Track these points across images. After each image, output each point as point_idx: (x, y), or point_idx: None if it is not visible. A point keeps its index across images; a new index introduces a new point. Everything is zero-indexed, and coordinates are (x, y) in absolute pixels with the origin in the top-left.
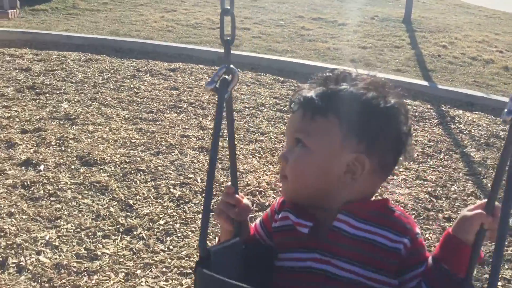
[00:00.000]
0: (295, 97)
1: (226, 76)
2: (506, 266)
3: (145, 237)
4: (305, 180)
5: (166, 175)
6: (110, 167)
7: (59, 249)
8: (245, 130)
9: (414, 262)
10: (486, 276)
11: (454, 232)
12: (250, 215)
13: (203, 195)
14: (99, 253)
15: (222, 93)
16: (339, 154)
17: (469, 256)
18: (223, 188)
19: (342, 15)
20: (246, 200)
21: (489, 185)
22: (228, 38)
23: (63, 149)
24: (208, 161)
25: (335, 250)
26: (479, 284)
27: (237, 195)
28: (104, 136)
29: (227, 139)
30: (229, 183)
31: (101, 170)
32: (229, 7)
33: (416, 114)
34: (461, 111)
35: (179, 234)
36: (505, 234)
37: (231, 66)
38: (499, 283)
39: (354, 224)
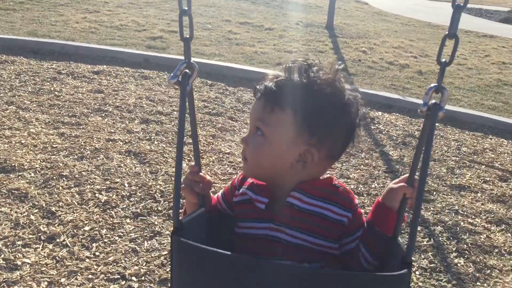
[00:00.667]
0: (259, 85)
1: (187, 70)
2: (423, 256)
3: (69, 244)
4: (261, 164)
5: (91, 180)
6: (30, 174)
7: None
8: (173, 133)
9: (354, 228)
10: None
11: (383, 200)
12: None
13: (131, 199)
14: (19, 262)
15: (184, 86)
16: (293, 145)
17: (395, 220)
18: (188, 168)
19: (268, 20)
20: (208, 177)
21: None
22: (187, 36)
23: None
24: (176, 146)
25: (288, 221)
26: (403, 240)
27: (200, 173)
28: (23, 141)
29: (190, 126)
30: (193, 163)
31: (19, 177)
32: (186, 8)
33: (364, 110)
34: (380, 113)
35: (105, 240)
36: (421, 201)
37: (191, 61)
38: (417, 272)
39: (305, 200)
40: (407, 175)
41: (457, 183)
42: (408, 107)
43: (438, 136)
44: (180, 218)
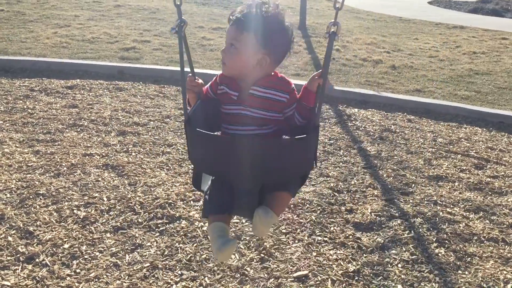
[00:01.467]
0: (232, 16)
1: (181, 24)
2: (404, 249)
3: (48, 263)
4: (235, 66)
5: (69, 197)
6: (6, 194)
7: None
8: (151, 143)
9: (291, 103)
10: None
11: (307, 86)
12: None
13: (110, 213)
14: None
15: (180, 33)
16: (253, 54)
17: (314, 97)
18: (188, 78)
19: None
20: (201, 81)
21: (384, 175)
22: (178, 3)
23: None
24: (180, 71)
25: (251, 104)
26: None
27: (196, 80)
28: None
29: (186, 56)
30: (190, 74)
31: None
32: None
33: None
34: (356, 109)
35: (86, 256)
36: (325, 84)
37: (182, 18)
38: (399, 265)
39: (261, 90)
40: (320, 70)
41: (435, 173)
42: (383, 102)
43: (414, 129)
44: (187, 112)
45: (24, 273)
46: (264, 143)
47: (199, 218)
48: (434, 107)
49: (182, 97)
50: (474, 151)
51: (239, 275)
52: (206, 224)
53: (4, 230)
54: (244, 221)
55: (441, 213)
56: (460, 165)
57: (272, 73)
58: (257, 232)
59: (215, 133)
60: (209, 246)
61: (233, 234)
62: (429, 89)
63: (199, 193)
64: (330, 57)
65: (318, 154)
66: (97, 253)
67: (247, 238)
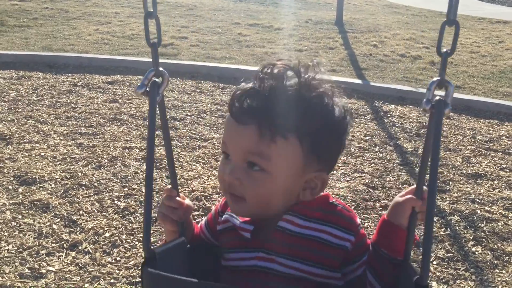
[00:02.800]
0: (243, 105)
1: (156, 79)
2: (440, 246)
3: (91, 251)
4: (268, 203)
5: (110, 188)
6: (50, 185)
7: (1, 271)
8: (187, 137)
9: (358, 253)
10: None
11: (388, 217)
12: (198, 218)
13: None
14: (44, 271)
15: (153, 96)
16: (301, 175)
17: (405, 239)
18: (164, 192)
19: (277, 20)
20: (188, 201)
21: None
22: (155, 41)
23: None
24: (145, 162)
25: (279, 249)
26: (416, 264)
27: (178, 198)
28: (42, 154)
29: (163, 142)
30: (169, 186)
31: (41, 188)
32: (152, 10)
33: (352, 111)
34: (393, 106)
35: (126, 245)
36: (433, 214)
37: (160, 68)
38: (434, 262)
39: (299, 222)
40: (415, 186)
41: (473, 171)
42: (421, 98)
43: (453, 126)
44: (152, 247)
45: (67, 260)
46: None
47: None
48: (474, 103)
49: (143, 218)
50: None
51: None
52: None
53: (49, 218)
54: None
55: (479, 211)
56: (500, 163)
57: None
58: None
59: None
60: None
61: None
62: (469, 85)
63: None
64: (439, 151)
65: (353, 150)
66: (136, 242)
67: None
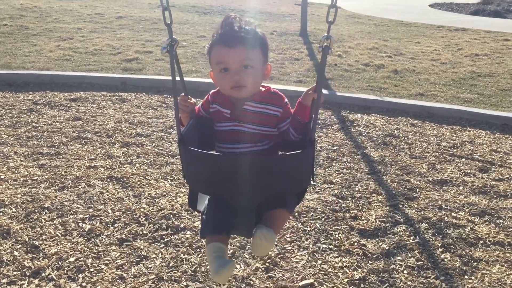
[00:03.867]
0: (234, 36)
1: (172, 43)
2: (410, 255)
3: (54, 277)
4: (255, 85)
5: (74, 210)
6: (11, 209)
7: None
8: (155, 154)
9: (285, 117)
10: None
11: (302, 101)
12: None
13: (115, 225)
14: None
15: (171, 52)
16: (263, 66)
17: (309, 112)
18: (180, 97)
19: None
20: (193, 100)
21: (389, 181)
22: (169, 22)
23: None
24: (172, 90)
25: (245, 119)
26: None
27: (189, 100)
28: (2, 177)
29: (178, 74)
30: (183, 94)
31: (0, 213)
32: (166, 5)
33: (320, 121)
34: (359, 115)
35: (91, 269)
36: (320, 99)
37: (173, 37)
38: (405, 271)
39: (254, 105)
40: (315, 85)
41: (439, 178)
42: (386, 106)
43: (418, 133)
44: (181, 131)
45: None
46: (259, 160)
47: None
48: (437, 110)
49: (175, 117)
50: (478, 154)
51: (244, 285)
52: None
53: (10, 244)
54: None
55: (446, 218)
56: (465, 169)
57: (264, 89)
58: (257, 252)
59: (210, 152)
60: None
61: (238, 243)
62: (431, 93)
63: None
64: (324, 71)
65: (321, 160)
66: (103, 266)
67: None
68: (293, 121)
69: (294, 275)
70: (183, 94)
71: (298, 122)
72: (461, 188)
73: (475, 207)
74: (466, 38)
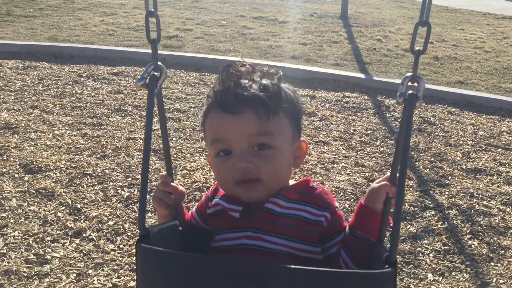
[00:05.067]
0: (237, 97)
1: (155, 73)
2: (437, 239)
3: (94, 238)
4: (279, 176)
5: (114, 178)
6: (56, 173)
7: (7, 256)
8: (191, 129)
9: (334, 231)
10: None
11: (365, 202)
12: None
13: (151, 194)
14: (49, 257)
15: (152, 89)
16: (292, 144)
17: (379, 222)
18: (159, 178)
19: (282, 13)
20: (181, 187)
21: (421, 167)
22: (154, 38)
23: (5, 158)
24: (143, 148)
25: (265, 227)
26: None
27: (172, 183)
28: (48, 143)
29: (161, 133)
30: (165, 173)
31: (46, 177)
32: (153, 10)
33: (354, 105)
34: (395, 100)
35: (129, 233)
36: (402, 198)
37: (159, 63)
38: (431, 255)
39: (282, 204)
40: (389, 174)
41: (473, 166)
42: (424, 93)
43: (454, 121)
44: (146, 225)
45: (72, 247)
46: (292, 277)
47: None
48: (476, 99)
49: (139, 199)
50: None
51: None
52: None
53: (54, 206)
54: None
55: (476, 206)
56: (500, 159)
57: (296, 181)
58: None
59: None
60: None
61: None
62: (472, 81)
63: None
64: (409, 143)
65: (354, 143)
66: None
67: None
68: (349, 239)
69: None
70: (163, 174)
71: (359, 240)
72: (494, 177)
73: (508, 197)
74: None
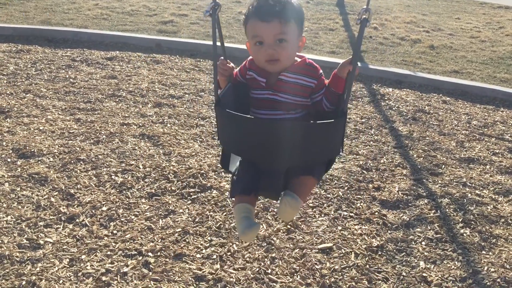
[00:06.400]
0: (269, 10)
1: (215, 5)
2: (429, 227)
3: (88, 223)
4: (289, 59)
5: (107, 163)
6: (49, 158)
7: (0, 241)
8: (185, 115)
9: (319, 88)
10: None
11: (337, 72)
12: (194, 195)
13: (145, 180)
14: (42, 242)
15: (214, 16)
16: (297, 38)
17: (344, 84)
18: (220, 61)
19: None
20: (232, 64)
21: (415, 156)
22: None
23: None
24: (212, 54)
25: (279, 89)
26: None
27: (227, 64)
28: (41, 128)
29: (219, 38)
30: (222, 58)
31: (39, 162)
32: None
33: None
34: (390, 89)
35: (122, 219)
36: (354, 70)
37: (217, 0)
38: (423, 243)
39: (289, 75)
40: (351, 57)
41: (466, 156)
42: (419, 82)
43: (449, 111)
44: (218, 93)
45: (65, 232)
46: (291, 127)
47: (229, 189)
48: (471, 89)
49: (213, 80)
50: (509, 134)
51: (265, 244)
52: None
53: (47, 191)
54: None
55: (469, 195)
56: (493, 148)
57: (299, 59)
58: (283, 217)
59: (244, 115)
60: None
61: (261, 205)
62: (467, 71)
63: None
64: (361, 44)
65: (349, 132)
66: (133, 217)
67: (275, 209)
68: (327, 92)
69: (314, 238)
70: (222, 58)
71: (332, 93)
72: (488, 167)
73: (500, 186)
74: (509, 17)
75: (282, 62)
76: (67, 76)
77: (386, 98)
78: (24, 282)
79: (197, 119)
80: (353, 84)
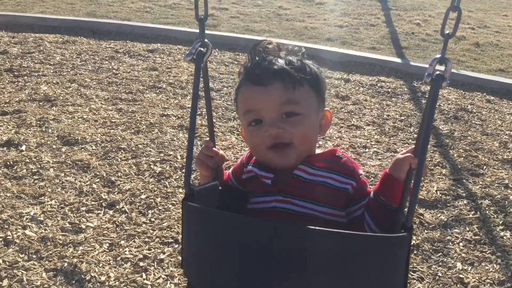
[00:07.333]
0: (266, 70)
1: (202, 49)
2: (468, 229)
3: (127, 210)
4: (310, 139)
5: (147, 153)
6: (92, 146)
7: (44, 224)
8: (223, 108)
9: (359, 197)
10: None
11: (390, 171)
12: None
13: (183, 170)
14: (83, 226)
15: (199, 63)
16: (318, 112)
17: (401, 190)
18: (202, 143)
19: None
20: (221, 152)
21: (455, 155)
22: (202, 17)
23: (43, 129)
24: (189, 119)
25: (294, 192)
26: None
27: (214, 148)
28: (84, 117)
29: (205, 103)
30: (208, 139)
31: (82, 149)
32: None
33: (389, 90)
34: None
35: (160, 207)
36: (421, 170)
37: (206, 40)
38: (461, 244)
39: (310, 171)
40: (413, 146)
41: (510, 157)
42: (462, 80)
43: (493, 110)
44: (193, 186)
45: (105, 217)
46: (316, 237)
47: None
48: None
49: (185, 163)
50: None
51: None
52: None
53: (90, 178)
54: None
55: (511, 197)
56: None
57: (324, 149)
58: None
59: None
60: None
61: None
62: None
63: None
64: (432, 118)
65: (387, 129)
66: (170, 206)
67: None
68: (372, 204)
69: None
70: (207, 139)
71: (381, 205)
72: None
73: None
74: None
75: (297, 148)
76: (110, 67)
77: (427, 96)
78: (66, 264)
79: (235, 113)
80: (419, 187)
